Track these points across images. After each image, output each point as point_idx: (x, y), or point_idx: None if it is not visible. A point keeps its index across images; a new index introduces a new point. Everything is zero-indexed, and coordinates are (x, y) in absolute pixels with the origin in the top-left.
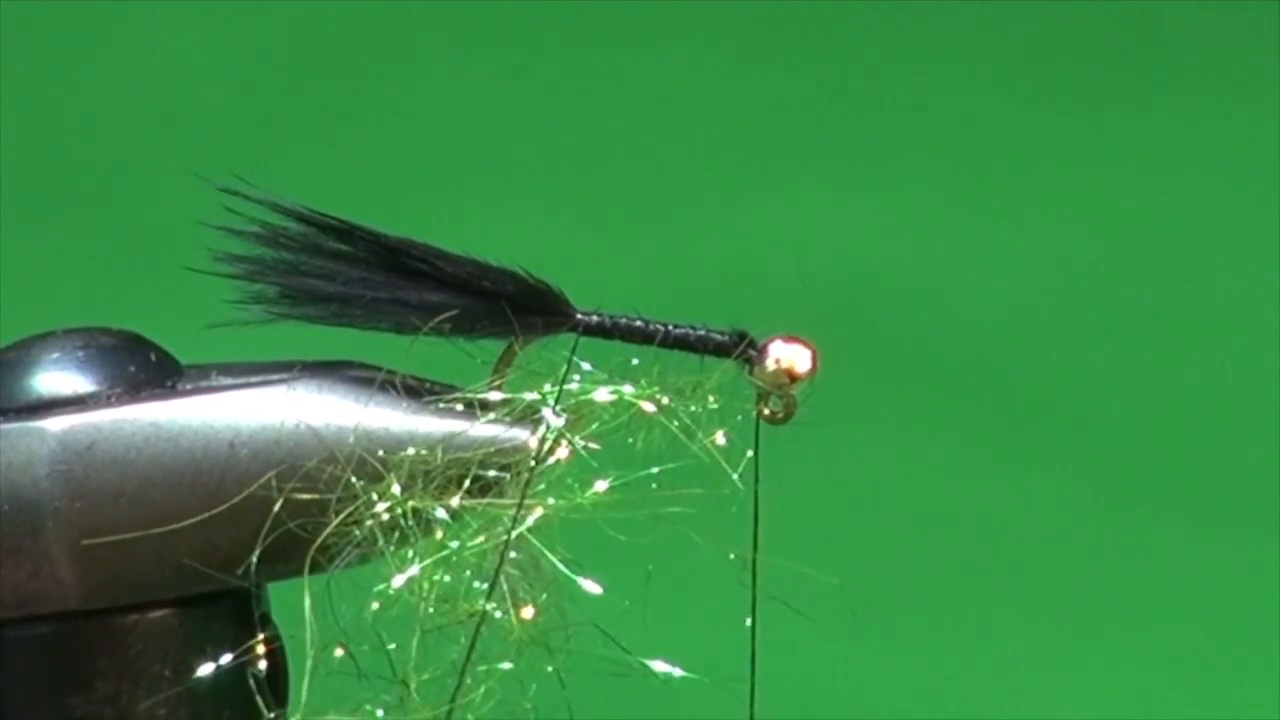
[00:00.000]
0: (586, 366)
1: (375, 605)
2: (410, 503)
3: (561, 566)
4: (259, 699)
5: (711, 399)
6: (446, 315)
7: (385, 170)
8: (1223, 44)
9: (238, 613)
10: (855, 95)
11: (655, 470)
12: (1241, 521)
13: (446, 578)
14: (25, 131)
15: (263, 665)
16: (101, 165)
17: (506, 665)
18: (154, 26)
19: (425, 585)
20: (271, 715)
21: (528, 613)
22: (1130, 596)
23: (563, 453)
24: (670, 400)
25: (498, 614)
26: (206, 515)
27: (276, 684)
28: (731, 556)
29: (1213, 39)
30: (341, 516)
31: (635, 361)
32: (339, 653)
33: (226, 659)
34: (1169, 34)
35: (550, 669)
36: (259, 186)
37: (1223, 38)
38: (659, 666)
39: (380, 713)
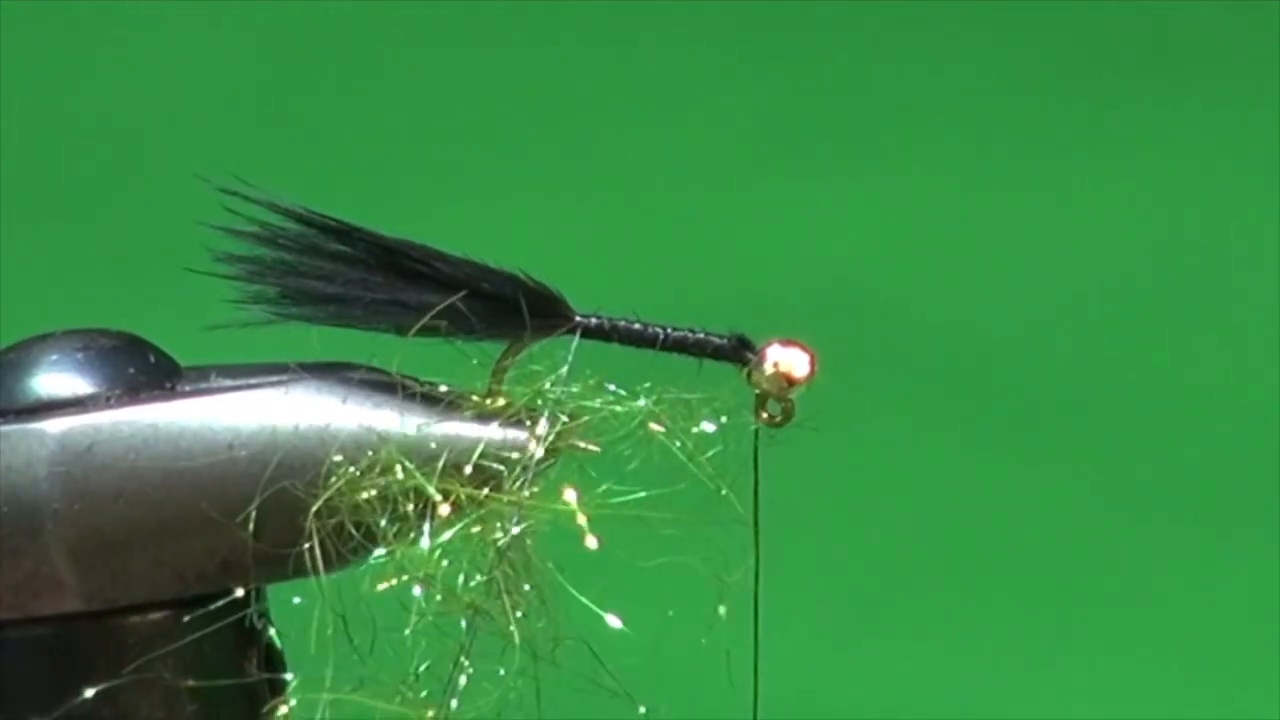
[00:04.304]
0: (588, 371)
1: (376, 600)
2: (411, 483)
3: (586, 601)
4: (259, 698)
5: (717, 407)
6: (446, 317)
7: (385, 170)
8: (1223, 44)
9: (237, 612)
10: (854, 97)
11: (662, 490)
12: (1244, 522)
13: (446, 562)
14: (25, 132)
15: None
16: (101, 166)
17: (500, 671)
18: (154, 27)
19: (423, 577)
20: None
21: (520, 618)
22: (1133, 597)
23: (564, 451)
24: (671, 406)
25: (493, 614)
26: (207, 520)
27: (275, 684)
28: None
29: (1213, 39)
30: (359, 531)
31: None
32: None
33: (231, 670)
34: (1169, 34)
35: (546, 672)
36: (258, 187)
37: (1223, 38)
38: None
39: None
